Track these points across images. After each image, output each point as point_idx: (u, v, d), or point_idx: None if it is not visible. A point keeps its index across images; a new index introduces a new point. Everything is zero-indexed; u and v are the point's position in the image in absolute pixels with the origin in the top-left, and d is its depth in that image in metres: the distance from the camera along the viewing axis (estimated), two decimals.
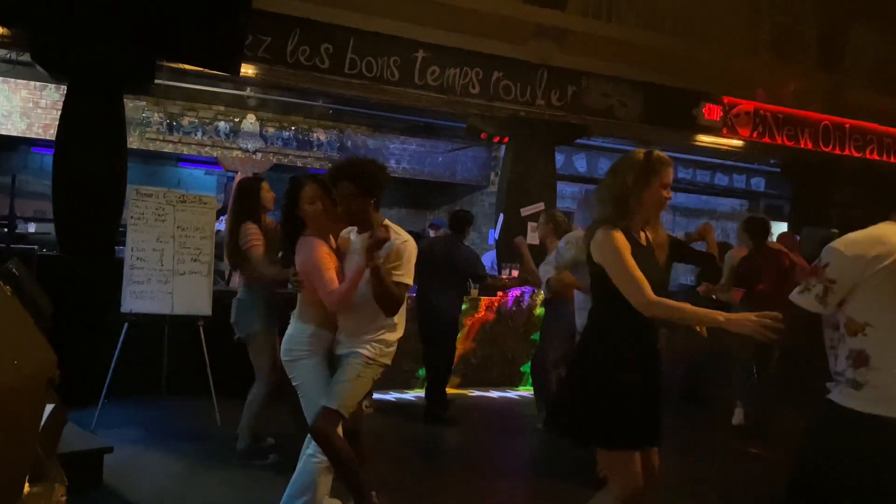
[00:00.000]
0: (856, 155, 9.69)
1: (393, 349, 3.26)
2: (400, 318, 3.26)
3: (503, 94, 7.53)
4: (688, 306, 2.63)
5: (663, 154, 2.75)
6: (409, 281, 3.18)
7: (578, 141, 9.10)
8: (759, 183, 13.57)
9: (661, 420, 2.78)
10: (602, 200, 2.77)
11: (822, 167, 9.66)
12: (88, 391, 5.12)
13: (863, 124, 9.75)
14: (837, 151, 9.53)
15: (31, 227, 9.20)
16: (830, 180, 9.80)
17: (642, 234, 2.80)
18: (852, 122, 9.64)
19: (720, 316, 2.52)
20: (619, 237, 2.64)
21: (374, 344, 3.19)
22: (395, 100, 7.56)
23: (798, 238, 9.71)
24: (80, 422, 4.80)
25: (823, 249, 2.32)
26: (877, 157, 9.87)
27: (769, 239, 5.97)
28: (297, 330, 3.30)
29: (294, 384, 3.27)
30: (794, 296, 2.32)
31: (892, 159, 9.99)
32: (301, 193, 3.35)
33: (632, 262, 2.60)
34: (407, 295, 3.25)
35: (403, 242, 3.19)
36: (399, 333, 3.29)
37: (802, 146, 9.28)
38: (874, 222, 2.40)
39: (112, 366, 5.05)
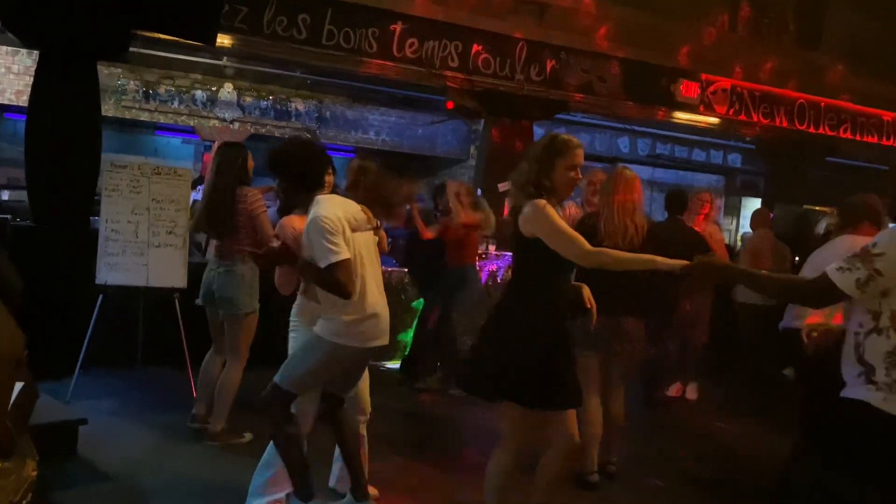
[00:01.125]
0: (829, 133, 9.82)
1: (355, 330, 3.07)
2: (364, 295, 3.10)
3: (482, 67, 7.51)
4: (622, 253, 3.03)
5: (570, 137, 3.00)
6: (332, 258, 2.91)
7: (557, 116, 9.12)
8: (735, 159, 13.69)
9: (574, 385, 2.99)
10: (519, 186, 2.97)
11: (797, 145, 9.78)
12: (63, 362, 5.14)
13: (837, 103, 9.87)
14: (812, 130, 9.65)
15: (5, 195, 9.10)
16: (804, 158, 9.93)
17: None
18: (827, 100, 9.75)
19: (658, 259, 2.75)
20: (548, 205, 2.84)
21: (324, 322, 3.11)
22: (373, 72, 7.52)
23: (772, 215, 9.88)
24: (55, 393, 4.84)
25: (881, 234, 2.20)
26: (849, 136, 10.00)
27: (687, 213, 6.02)
28: (297, 301, 3.45)
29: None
30: (832, 272, 2.19)
31: (866, 138, 10.13)
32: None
33: (563, 223, 2.83)
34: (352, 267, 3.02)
35: (308, 224, 3.02)
36: (361, 312, 3.08)
37: (778, 124, 9.39)
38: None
39: (87, 337, 5.06)
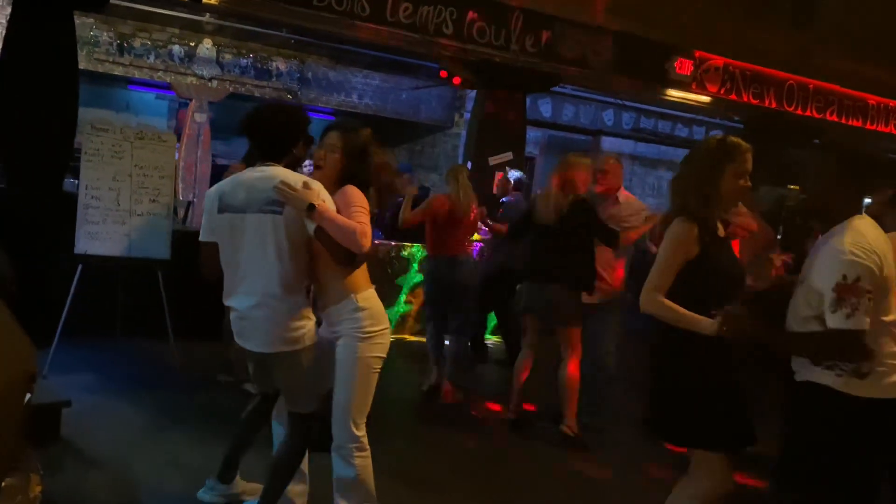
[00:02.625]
0: (816, 116, 9.82)
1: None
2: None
3: (477, 36, 7.28)
4: (681, 311, 2.52)
5: (739, 140, 2.61)
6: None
7: None
8: (717, 135, 13.68)
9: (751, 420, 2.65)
10: (679, 192, 2.64)
11: (784, 126, 9.76)
12: (40, 333, 4.90)
13: (826, 85, 9.86)
14: (800, 112, 9.64)
15: None
16: (791, 140, 9.94)
17: (719, 225, 2.66)
18: (816, 82, 9.73)
19: (709, 324, 2.43)
20: (689, 230, 2.54)
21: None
22: (365, 36, 7.25)
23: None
24: None
25: (841, 264, 2.26)
26: (836, 119, 10.03)
27: None
28: None
29: None
30: (843, 321, 2.23)
31: (851, 122, 10.16)
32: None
33: (673, 259, 2.55)
34: None
35: None
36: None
37: (767, 105, 9.35)
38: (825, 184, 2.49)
39: (66, 308, 4.84)
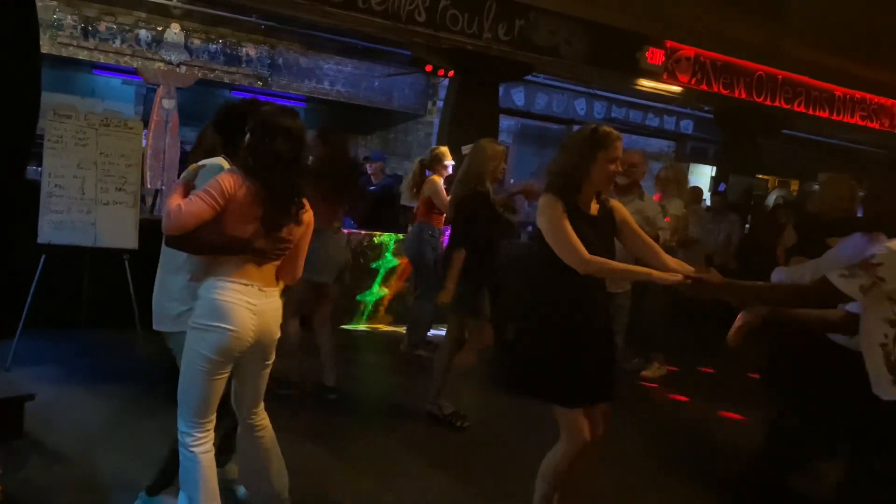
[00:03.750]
0: (784, 107, 9.95)
1: None
2: None
3: (450, 24, 7.23)
4: (619, 264, 2.85)
5: (611, 129, 2.89)
6: None
7: None
8: (687, 125, 13.78)
9: (611, 378, 2.97)
10: (551, 173, 2.90)
11: (753, 116, 9.87)
12: (2, 324, 4.81)
13: (794, 76, 9.97)
14: (769, 102, 9.74)
15: None
16: (760, 130, 10.06)
17: (594, 205, 2.93)
18: (785, 73, 9.84)
19: (654, 274, 2.75)
20: (557, 204, 2.78)
21: None
22: (336, 23, 7.16)
23: (723, 186, 10.04)
24: None
25: (879, 247, 2.29)
26: (803, 110, 10.16)
27: None
28: None
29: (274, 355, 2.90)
30: (835, 278, 2.28)
31: (818, 113, 10.31)
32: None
33: (566, 227, 2.75)
34: None
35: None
36: None
37: (737, 95, 9.43)
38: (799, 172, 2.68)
39: (29, 299, 4.74)
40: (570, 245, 2.75)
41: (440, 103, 10.21)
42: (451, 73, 7.91)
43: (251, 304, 2.62)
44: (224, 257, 2.62)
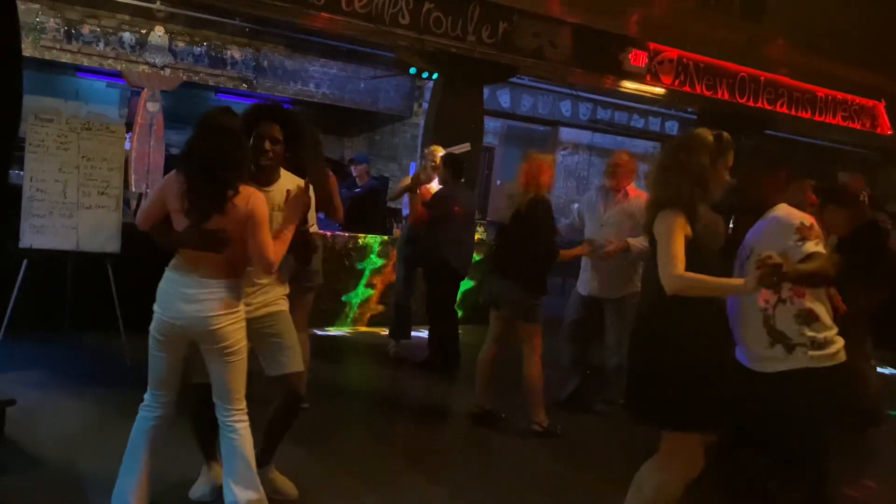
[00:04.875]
0: (767, 107, 10.04)
1: None
2: None
3: (434, 26, 7.27)
4: (713, 280, 2.63)
5: (729, 136, 2.80)
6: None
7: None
8: (672, 126, 13.88)
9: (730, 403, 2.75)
10: (671, 182, 2.71)
11: (736, 117, 9.96)
12: None
13: (776, 77, 10.08)
14: (751, 103, 9.84)
15: None
16: (743, 130, 10.13)
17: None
18: (767, 74, 9.94)
19: (741, 282, 2.60)
20: (679, 218, 2.65)
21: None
22: (320, 26, 7.17)
23: None
24: None
25: (794, 218, 2.77)
26: (786, 111, 10.26)
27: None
28: (231, 287, 2.86)
29: (233, 349, 2.87)
30: (816, 247, 2.72)
31: (800, 113, 10.41)
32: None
33: (678, 241, 2.61)
34: None
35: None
36: None
37: (720, 96, 9.52)
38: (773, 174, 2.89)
39: (10, 304, 4.72)
40: (673, 256, 2.60)
41: (426, 105, 10.23)
42: (432, 75, 7.94)
43: (185, 292, 2.80)
44: (178, 250, 2.86)
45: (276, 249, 2.84)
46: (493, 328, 4.60)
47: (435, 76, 8.16)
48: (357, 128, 12.29)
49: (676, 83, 8.98)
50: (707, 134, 2.78)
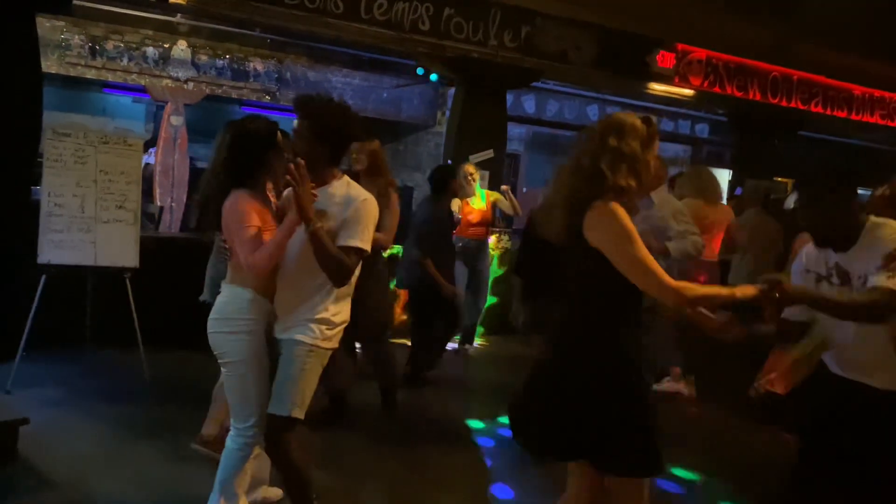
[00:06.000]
0: (801, 108, 9.73)
1: (338, 331, 2.81)
2: (346, 293, 2.82)
3: (454, 32, 7.14)
4: (706, 289, 2.38)
5: (649, 117, 2.40)
6: (365, 246, 2.72)
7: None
8: (702, 129, 13.58)
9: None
10: (585, 176, 2.28)
11: (768, 118, 9.67)
12: (3, 346, 4.76)
13: (809, 76, 9.76)
14: (784, 103, 9.54)
15: None
16: (775, 131, 9.85)
17: None
18: (799, 73, 9.64)
19: (735, 290, 2.27)
20: (623, 211, 2.21)
21: (314, 326, 2.71)
22: (339, 34, 7.09)
23: (739, 190, 9.81)
24: None
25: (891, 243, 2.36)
26: (821, 111, 9.94)
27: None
28: (233, 295, 2.81)
29: (224, 360, 2.80)
30: (885, 281, 2.29)
31: (836, 112, 10.08)
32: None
33: (641, 243, 2.18)
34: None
35: (363, 201, 2.73)
36: (345, 313, 2.84)
37: (751, 97, 9.24)
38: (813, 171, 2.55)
39: (29, 320, 4.67)
40: (654, 269, 2.16)
41: (449, 113, 10.12)
42: (429, 75, 7.82)
43: None
44: None
45: (260, 251, 2.67)
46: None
47: (433, 77, 8.02)
48: (381, 138, 12.17)
49: (706, 84, 8.74)
50: (634, 118, 2.34)
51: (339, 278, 2.70)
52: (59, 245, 4.82)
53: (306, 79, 10.45)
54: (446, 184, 5.47)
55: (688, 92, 8.86)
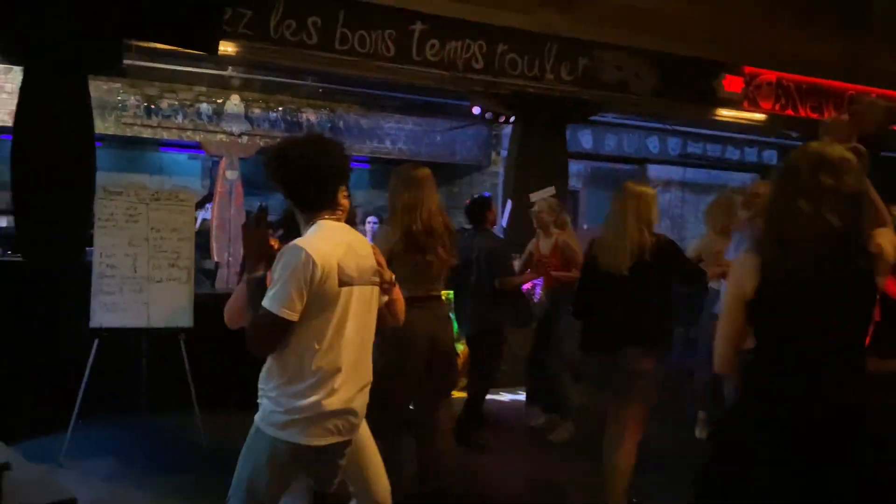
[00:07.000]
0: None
1: (291, 417, 2.28)
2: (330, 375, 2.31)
3: (509, 68, 6.89)
4: None
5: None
6: (276, 309, 2.21)
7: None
8: (770, 156, 12.98)
9: None
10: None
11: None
12: (57, 414, 4.56)
13: (888, 93, 9.15)
14: None
15: (3, 222, 8.59)
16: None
17: None
18: (877, 90, 9.03)
19: None
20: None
21: (266, 399, 2.34)
22: (391, 77, 6.92)
23: None
24: (48, 452, 4.33)
25: None
26: None
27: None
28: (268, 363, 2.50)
29: None
30: None
31: None
32: None
33: None
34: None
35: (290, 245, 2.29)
36: (315, 396, 2.28)
37: (826, 118, 8.68)
38: None
39: (83, 387, 4.47)
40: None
41: (504, 153, 9.85)
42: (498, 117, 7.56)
43: None
44: None
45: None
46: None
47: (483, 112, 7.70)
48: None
49: (777, 107, 8.25)
50: (845, 151, 2.15)
51: (252, 346, 2.29)
52: (112, 308, 4.64)
53: (359, 127, 10.37)
54: (483, 214, 5.18)
55: (759, 116, 8.37)
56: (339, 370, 2.31)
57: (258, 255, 2.35)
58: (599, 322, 3.70)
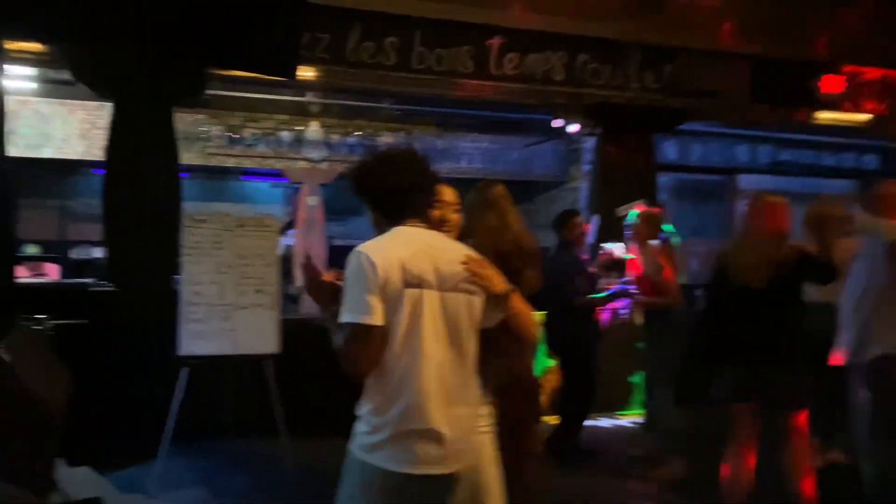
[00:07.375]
0: None
1: (377, 439, 2.11)
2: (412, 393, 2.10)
3: (591, 78, 6.65)
4: None
5: None
6: (351, 318, 2.07)
7: None
8: (870, 161, 12.17)
9: None
10: None
11: None
12: (147, 444, 4.56)
13: None
14: None
15: (97, 252, 8.90)
16: None
17: None
18: None
19: None
20: None
21: (358, 421, 2.19)
22: (470, 94, 6.80)
23: None
24: (139, 482, 4.34)
25: None
26: None
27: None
28: None
29: None
30: None
31: None
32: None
33: None
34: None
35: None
36: (394, 418, 2.09)
37: None
38: None
39: (172, 416, 4.45)
40: None
41: (584, 167, 9.57)
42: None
43: None
44: None
45: None
46: (741, 427, 3.66)
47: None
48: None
49: (884, 107, 7.68)
50: None
51: (346, 367, 2.13)
52: (199, 336, 4.62)
53: (435, 147, 10.30)
54: (563, 228, 5.21)
55: (863, 117, 7.82)
56: (415, 382, 2.09)
57: (318, 294, 2.25)
58: (737, 336, 3.62)
